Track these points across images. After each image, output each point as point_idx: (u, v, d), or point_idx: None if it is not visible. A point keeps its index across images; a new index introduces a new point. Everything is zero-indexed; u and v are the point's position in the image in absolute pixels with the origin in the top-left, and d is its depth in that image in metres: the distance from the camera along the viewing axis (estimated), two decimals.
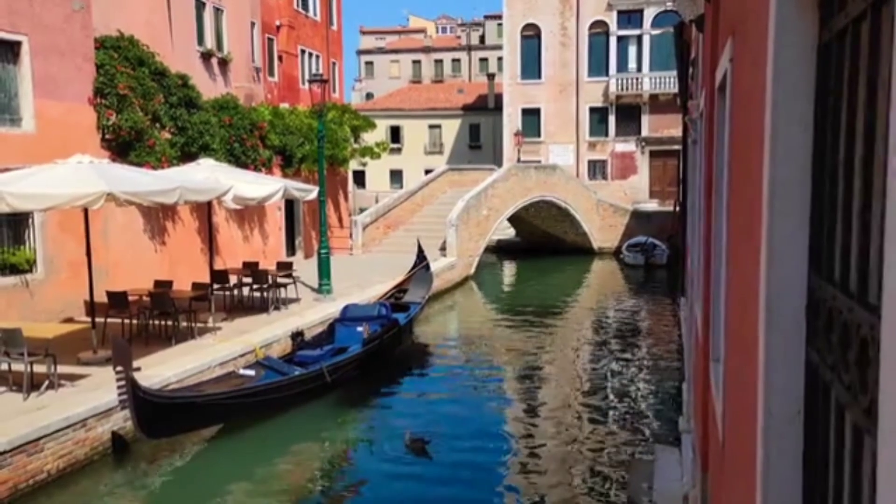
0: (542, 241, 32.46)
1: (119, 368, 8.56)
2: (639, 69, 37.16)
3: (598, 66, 37.58)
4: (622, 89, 37.10)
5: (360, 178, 43.91)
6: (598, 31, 37.48)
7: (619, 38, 37.35)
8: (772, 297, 1.77)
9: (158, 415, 9.01)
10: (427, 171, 37.25)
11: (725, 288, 3.44)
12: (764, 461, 1.81)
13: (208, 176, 13.22)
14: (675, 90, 32.46)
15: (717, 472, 3.82)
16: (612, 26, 37.14)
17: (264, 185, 14.44)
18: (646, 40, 36.91)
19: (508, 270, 30.46)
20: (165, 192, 10.98)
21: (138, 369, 9.17)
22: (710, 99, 4.80)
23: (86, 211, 10.90)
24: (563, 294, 24.10)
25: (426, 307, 17.16)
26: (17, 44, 13.02)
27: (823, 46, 1.67)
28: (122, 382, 8.59)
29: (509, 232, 33.49)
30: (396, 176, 48.24)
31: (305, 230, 23.86)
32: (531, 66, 38.39)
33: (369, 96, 60.93)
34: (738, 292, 2.85)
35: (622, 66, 37.43)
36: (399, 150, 47.24)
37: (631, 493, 7.79)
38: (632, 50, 37.42)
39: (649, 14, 36.55)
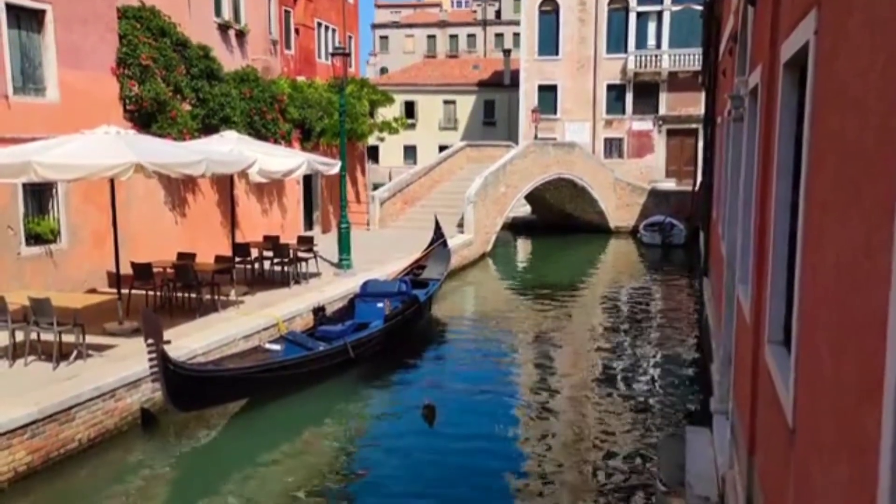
0: (559, 219, 32.30)
1: (150, 341, 8.55)
2: (658, 46, 36.70)
3: (617, 42, 37.12)
4: (640, 66, 36.66)
5: (373, 153, 43.70)
6: (618, 7, 36.98)
7: (639, 15, 36.85)
8: None
9: (188, 388, 9.03)
10: (441, 148, 36.97)
11: (801, 270, 3.34)
12: (892, 452, 1.75)
13: (233, 148, 13.15)
14: (696, 67, 32.16)
15: (779, 456, 3.75)
16: (632, 2, 36.62)
17: (288, 159, 14.35)
18: (666, 17, 36.42)
19: (525, 248, 30.36)
20: (192, 164, 10.91)
21: (169, 342, 9.17)
22: (770, 74, 4.67)
23: (112, 182, 10.85)
24: (579, 272, 24.04)
25: (444, 284, 17.12)
26: (42, 12, 12.91)
27: None
28: (154, 355, 8.60)
29: (525, 209, 33.33)
30: (410, 151, 48.02)
31: (323, 205, 23.81)
32: (548, 42, 37.95)
33: (383, 71, 60.49)
34: (828, 276, 2.76)
35: (641, 42, 36.95)
36: (413, 126, 46.94)
37: (662, 472, 7.75)
38: (651, 26, 36.92)
39: None
